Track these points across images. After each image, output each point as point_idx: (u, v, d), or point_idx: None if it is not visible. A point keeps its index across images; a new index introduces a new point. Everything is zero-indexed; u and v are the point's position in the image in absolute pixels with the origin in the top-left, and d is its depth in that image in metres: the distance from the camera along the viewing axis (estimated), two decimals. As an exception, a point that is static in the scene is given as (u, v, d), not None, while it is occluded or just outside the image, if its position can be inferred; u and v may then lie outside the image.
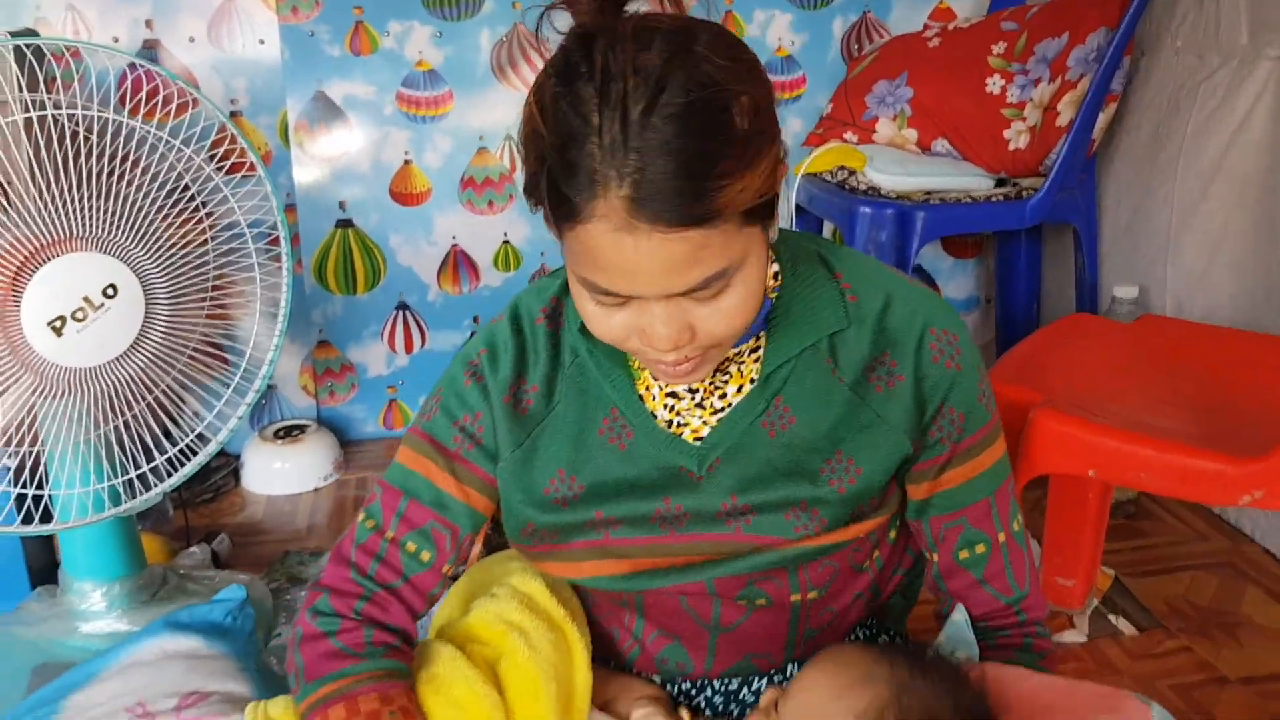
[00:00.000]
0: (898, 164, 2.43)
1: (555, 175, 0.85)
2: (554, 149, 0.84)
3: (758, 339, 1.04)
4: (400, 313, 2.74)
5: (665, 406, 1.05)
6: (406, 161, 2.63)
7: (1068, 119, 2.35)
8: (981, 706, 0.99)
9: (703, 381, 1.04)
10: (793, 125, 2.77)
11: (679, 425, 1.05)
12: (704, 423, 1.05)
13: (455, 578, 1.18)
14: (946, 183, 2.41)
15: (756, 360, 1.04)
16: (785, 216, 2.70)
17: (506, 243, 2.74)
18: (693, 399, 1.05)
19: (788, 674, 1.16)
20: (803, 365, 1.03)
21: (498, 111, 2.64)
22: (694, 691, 1.17)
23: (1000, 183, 2.43)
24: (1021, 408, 1.54)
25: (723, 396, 1.05)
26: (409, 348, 2.78)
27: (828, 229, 2.77)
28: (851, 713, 0.94)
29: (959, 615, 1.11)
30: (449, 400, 1.09)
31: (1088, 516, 1.94)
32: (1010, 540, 1.10)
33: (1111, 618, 2.01)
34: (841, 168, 2.48)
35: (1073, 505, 1.94)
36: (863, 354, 1.03)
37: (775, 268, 1.05)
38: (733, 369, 1.04)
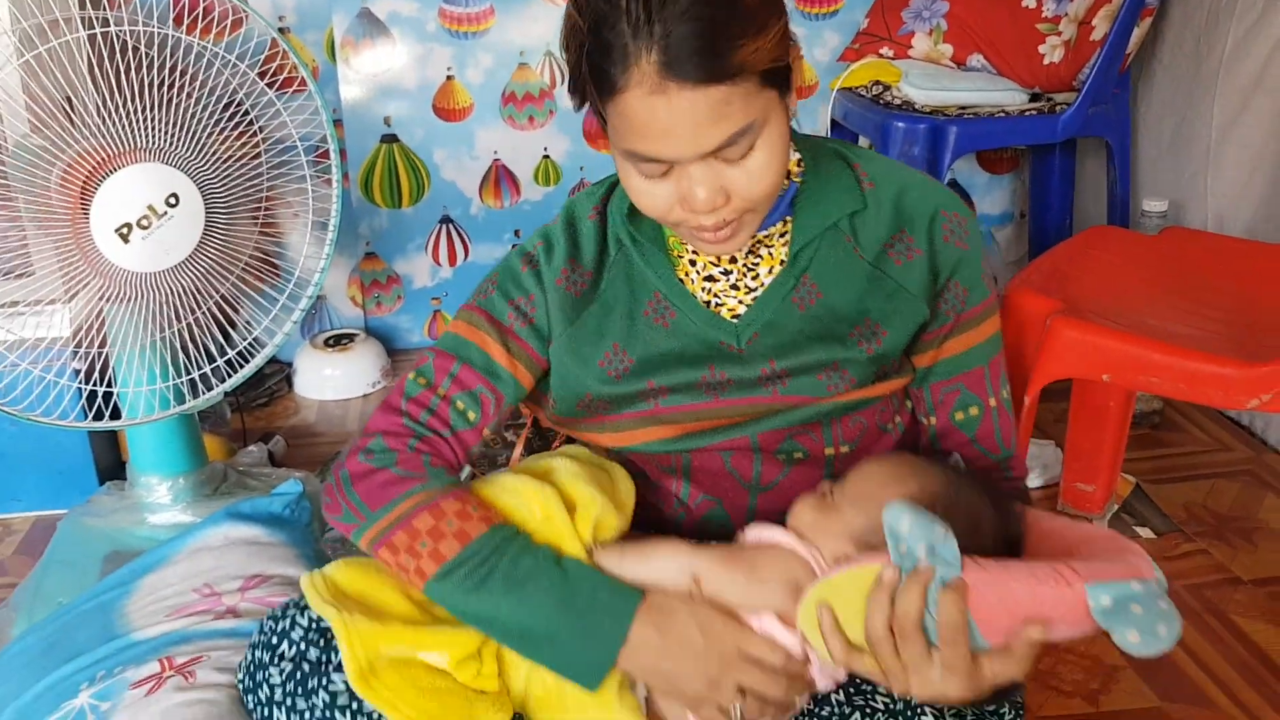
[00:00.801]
0: (932, 79, 2.46)
1: (594, 56, 0.98)
2: (590, 33, 0.97)
3: (785, 223, 1.16)
4: (444, 226, 2.82)
5: (703, 289, 1.17)
6: (449, 77, 2.69)
7: (1103, 33, 2.36)
8: (1015, 519, 1.08)
9: (736, 264, 1.16)
10: (829, 40, 2.79)
11: (716, 305, 1.16)
12: (740, 302, 1.16)
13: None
14: (980, 97, 2.43)
15: (785, 243, 1.16)
16: (822, 130, 2.73)
17: (547, 157, 2.79)
18: (728, 280, 1.16)
19: None
20: (826, 245, 1.15)
21: (538, 27, 2.68)
22: None
23: (1035, 97, 2.46)
24: (1041, 315, 1.60)
25: (755, 278, 1.16)
26: (452, 260, 2.85)
27: (863, 144, 2.79)
28: (904, 494, 1.02)
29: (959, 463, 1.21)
30: (505, 282, 1.19)
31: (1109, 423, 2.00)
32: (1000, 406, 1.22)
33: (1131, 522, 2.08)
34: (876, 82, 2.51)
35: (1094, 412, 2.00)
36: (881, 233, 1.15)
37: (797, 156, 1.16)
38: (764, 252, 1.16)
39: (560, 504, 1.10)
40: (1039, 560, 0.98)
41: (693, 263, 1.17)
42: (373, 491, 1.09)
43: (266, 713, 1.08)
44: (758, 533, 1.11)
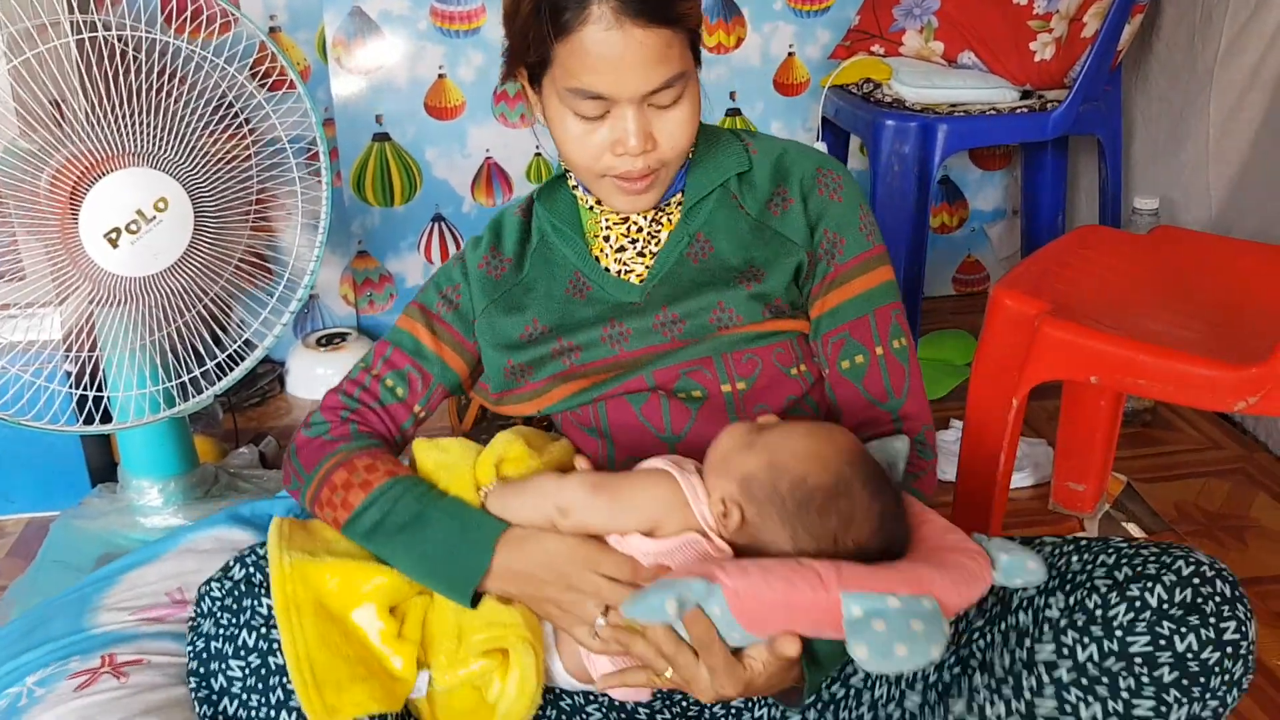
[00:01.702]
0: (923, 76, 2.46)
1: (553, 1, 1.10)
2: None
3: (681, 194, 1.30)
4: (436, 224, 2.82)
5: (615, 261, 1.31)
6: (441, 76, 2.68)
7: (1093, 30, 2.36)
8: (900, 527, 1.10)
9: (642, 233, 1.30)
10: (820, 37, 2.79)
11: (626, 273, 1.30)
12: (646, 267, 1.30)
13: (424, 420, 1.37)
14: (971, 95, 2.43)
15: (680, 209, 1.30)
16: (814, 128, 2.73)
17: (539, 155, 2.79)
18: (635, 249, 1.30)
19: None
20: (715, 203, 1.30)
21: (530, 25, 2.67)
22: None
23: (1026, 95, 2.45)
24: (1029, 316, 1.60)
25: (658, 244, 1.30)
26: (444, 258, 2.85)
27: (854, 142, 2.80)
28: (800, 472, 1.07)
29: (900, 443, 1.24)
30: (439, 277, 1.37)
31: (1099, 423, 2.01)
32: (889, 354, 1.30)
33: (1122, 521, 2.09)
34: (867, 80, 2.51)
35: (1085, 412, 2.00)
36: (763, 190, 1.29)
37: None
38: (663, 219, 1.30)
39: (471, 452, 1.23)
40: (818, 561, 1.01)
41: (606, 238, 1.31)
42: (308, 456, 1.26)
43: (194, 623, 1.17)
44: (652, 460, 1.17)
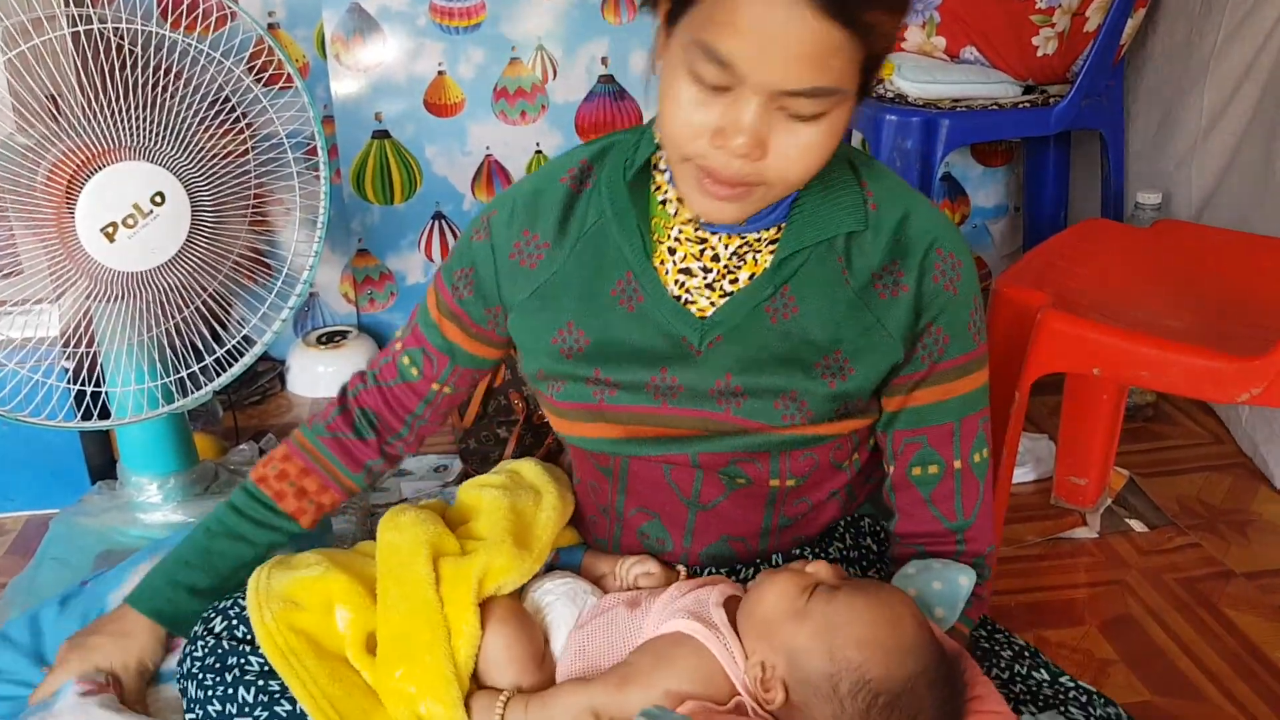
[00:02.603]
0: (925, 72, 2.45)
1: None
2: None
3: (778, 229, 1.09)
4: (436, 222, 2.81)
5: (676, 281, 1.11)
6: (440, 73, 2.68)
7: (1096, 24, 2.35)
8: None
9: (719, 263, 1.09)
10: (822, 33, 2.78)
11: (687, 301, 1.10)
12: (711, 303, 1.10)
13: (447, 405, 1.31)
14: (973, 90, 2.42)
15: (772, 252, 1.09)
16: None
17: (539, 152, 2.79)
18: (705, 278, 1.10)
19: (771, 561, 1.21)
20: (815, 259, 1.08)
21: (530, 21, 2.67)
22: None
23: (1028, 90, 2.44)
24: (1032, 309, 1.59)
25: (734, 281, 1.10)
26: (445, 256, 2.84)
27: (856, 138, 2.79)
28: (864, 659, 0.95)
29: (965, 579, 1.12)
30: (462, 248, 1.21)
31: (1101, 417, 2.00)
32: (966, 469, 1.14)
33: (1124, 515, 2.08)
34: (869, 76, 2.50)
35: (1087, 406, 2.00)
36: (875, 261, 1.08)
37: None
38: (749, 257, 1.09)
39: (425, 532, 1.16)
40: None
41: (671, 251, 1.11)
42: (315, 417, 1.34)
43: (182, 686, 1.13)
44: (672, 623, 1.05)
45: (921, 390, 1.11)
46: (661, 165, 1.11)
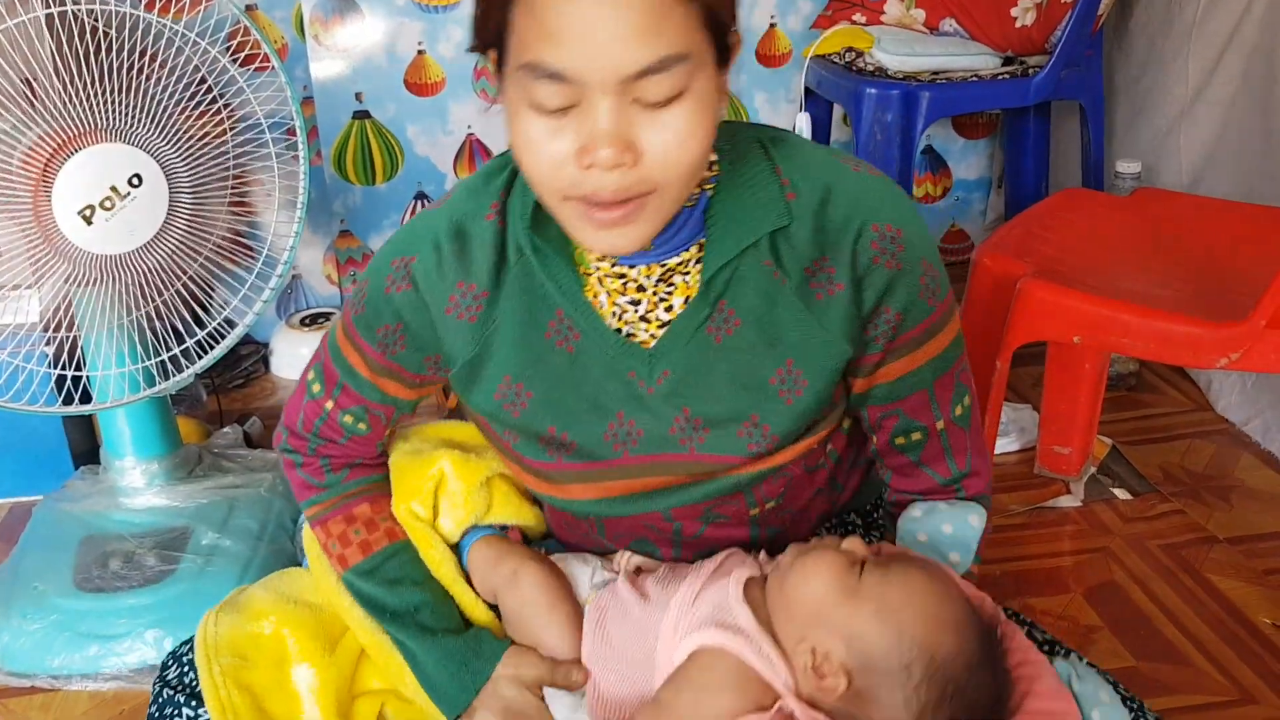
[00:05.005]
0: (904, 44, 2.45)
1: None
2: None
3: (699, 247, 0.99)
4: (418, 202, 2.80)
5: (614, 315, 1.00)
6: (420, 52, 2.66)
7: (1074, -6, 2.35)
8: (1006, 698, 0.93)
9: (645, 292, 1.00)
10: (802, 8, 2.77)
11: (630, 334, 1.00)
12: (651, 335, 1.00)
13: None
14: (953, 62, 2.42)
15: (700, 269, 0.99)
16: (795, 98, 2.72)
17: (521, 131, 2.78)
18: (637, 311, 1.00)
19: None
20: (745, 267, 0.98)
21: None
22: None
23: (1008, 61, 2.45)
24: (1012, 279, 1.60)
25: (669, 309, 1.00)
26: (428, 237, 2.83)
27: (837, 112, 2.79)
28: (949, 622, 0.90)
29: (976, 519, 1.06)
30: (374, 303, 1.05)
31: (1084, 386, 2.01)
32: (950, 425, 1.06)
33: (1107, 483, 2.09)
34: (849, 49, 2.50)
35: (1070, 375, 2.01)
36: (804, 255, 0.98)
37: (714, 157, 0.98)
38: (677, 280, 0.99)
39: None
40: None
41: (602, 282, 1.00)
42: (294, 486, 1.16)
43: None
44: (696, 635, 0.95)
45: (886, 367, 1.02)
46: None
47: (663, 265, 0.98)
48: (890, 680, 0.87)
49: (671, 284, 0.99)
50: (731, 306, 0.98)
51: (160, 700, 1.09)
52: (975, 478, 1.09)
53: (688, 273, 0.99)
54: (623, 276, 0.99)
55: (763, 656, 0.91)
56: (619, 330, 1.00)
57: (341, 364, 1.09)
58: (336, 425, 1.11)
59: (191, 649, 1.11)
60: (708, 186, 0.98)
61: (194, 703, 1.07)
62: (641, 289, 0.99)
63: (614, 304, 1.00)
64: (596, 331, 0.99)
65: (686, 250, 0.98)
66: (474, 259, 1.00)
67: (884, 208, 0.97)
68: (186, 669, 1.10)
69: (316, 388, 1.12)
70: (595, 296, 1.00)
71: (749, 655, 0.91)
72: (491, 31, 0.88)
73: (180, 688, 1.09)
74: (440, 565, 1.13)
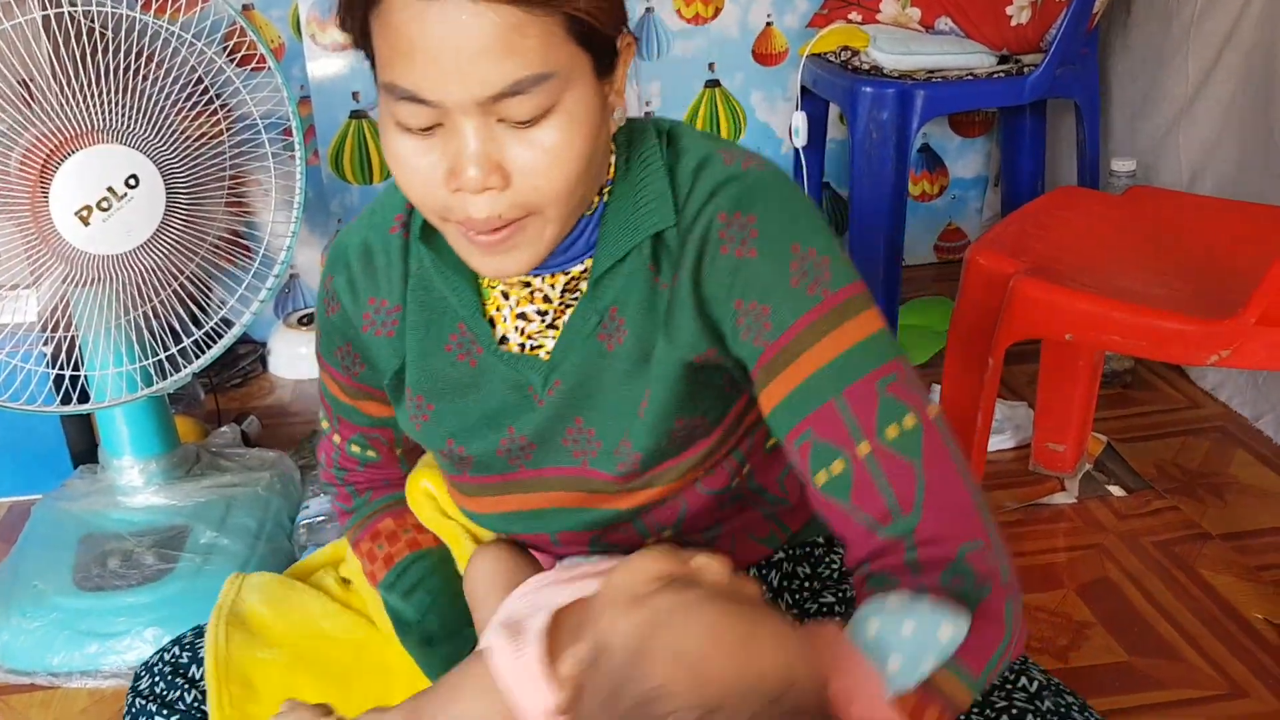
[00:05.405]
0: (900, 43, 2.45)
1: None
2: None
3: (591, 257, 0.94)
4: (416, 202, 2.80)
5: (516, 329, 0.95)
6: (417, 51, 2.67)
7: (1068, -7, 2.36)
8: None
9: (551, 303, 0.94)
10: (798, 6, 2.77)
11: (533, 348, 0.95)
12: (548, 354, 0.95)
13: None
14: (949, 61, 2.43)
15: (588, 276, 0.94)
16: (792, 97, 2.72)
17: (517, 130, 2.78)
18: (543, 321, 0.95)
19: None
20: (628, 272, 0.91)
21: (505, -1, 2.66)
22: None
23: (1003, 60, 2.45)
24: (1005, 276, 1.60)
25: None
26: (426, 236, 2.84)
27: (833, 110, 2.79)
28: (710, 672, 0.70)
29: (949, 628, 0.77)
30: (323, 327, 1.04)
31: (1079, 383, 2.02)
32: (881, 450, 0.84)
33: (1102, 480, 2.10)
34: (845, 48, 2.50)
35: (1064, 372, 2.01)
36: (676, 254, 0.90)
37: (613, 159, 0.92)
38: (583, 285, 0.94)
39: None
40: None
41: (505, 295, 0.95)
42: (338, 516, 1.18)
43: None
44: (485, 635, 0.89)
45: (783, 373, 0.86)
46: None
47: (566, 274, 0.93)
48: (599, 701, 0.73)
49: (575, 293, 0.94)
50: (622, 316, 0.91)
51: (133, 710, 1.08)
52: (938, 534, 0.83)
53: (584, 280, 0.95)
54: (528, 285, 0.94)
55: (521, 674, 0.79)
56: (522, 344, 0.95)
57: (328, 395, 1.08)
58: (348, 456, 1.12)
59: (162, 660, 1.10)
60: (606, 190, 0.92)
61: (165, 711, 1.06)
62: (548, 299, 0.94)
63: (516, 316, 0.95)
64: (495, 346, 0.95)
65: (590, 257, 0.93)
66: (381, 274, 0.98)
67: (737, 194, 0.88)
68: (158, 679, 1.09)
69: (325, 424, 1.12)
70: (499, 309, 0.96)
71: (506, 670, 0.80)
72: (357, 34, 0.83)
73: (152, 697, 1.08)
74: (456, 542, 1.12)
